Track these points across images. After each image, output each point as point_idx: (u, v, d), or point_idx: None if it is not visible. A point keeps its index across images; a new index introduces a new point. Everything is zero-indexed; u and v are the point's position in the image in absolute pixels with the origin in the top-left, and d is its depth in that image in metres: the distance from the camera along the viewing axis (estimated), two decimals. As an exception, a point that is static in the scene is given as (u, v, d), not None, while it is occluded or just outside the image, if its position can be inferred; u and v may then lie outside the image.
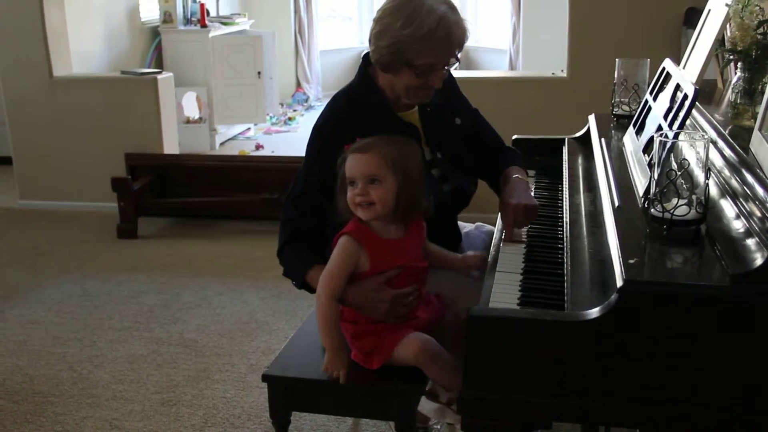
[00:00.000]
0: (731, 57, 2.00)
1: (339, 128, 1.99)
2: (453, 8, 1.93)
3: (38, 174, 5.03)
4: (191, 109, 6.21)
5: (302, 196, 2.03)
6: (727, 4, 1.89)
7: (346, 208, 1.82)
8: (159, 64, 6.31)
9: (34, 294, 3.69)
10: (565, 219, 1.90)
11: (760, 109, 1.59)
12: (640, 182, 1.69)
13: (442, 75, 1.94)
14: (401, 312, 1.83)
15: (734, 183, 1.53)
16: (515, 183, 2.05)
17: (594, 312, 1.34)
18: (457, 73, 5.08)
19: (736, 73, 1.96)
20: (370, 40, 1.95)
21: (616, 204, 1.63)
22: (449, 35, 1.88)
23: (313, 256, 1.98)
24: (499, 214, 2.03)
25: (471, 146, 2.20)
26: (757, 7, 1.85)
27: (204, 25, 6.34)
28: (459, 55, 1.96)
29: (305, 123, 7.50)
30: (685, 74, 1.90)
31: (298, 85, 8.43)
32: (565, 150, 2.41)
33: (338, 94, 2.08)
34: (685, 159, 1.46)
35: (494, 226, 2.08)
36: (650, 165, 1.57)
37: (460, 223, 2.25)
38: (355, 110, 2.01)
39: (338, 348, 1.85)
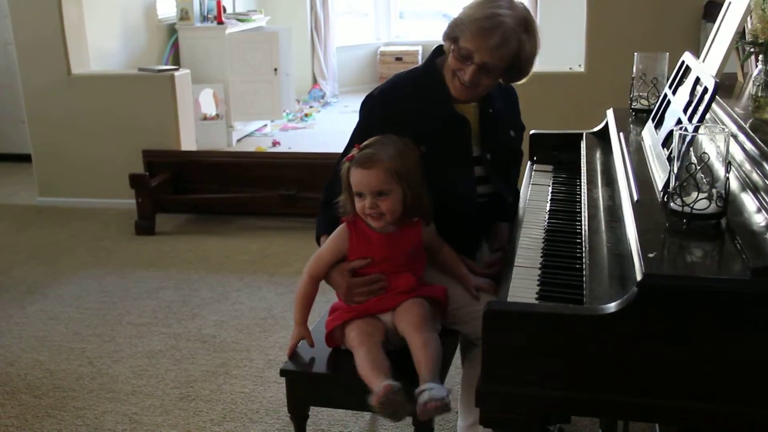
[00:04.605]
0: (752, 50, 1.98)
1: (390, 103, 2.09)
2: (523, 24, 1.98)
3: (57, 171, 5.07)
4: (208, 106, 6.23)
5: (341, 160, 2.07)
6: (747, -4, 1.87)
7: (349, 208, 1.93)
8: (176, 61, 6.34)
9: (54, 290, 3.72)
10: (583, 213, 1.89)
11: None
12: (659, 176, 1.68)
13: (474, 72, 1.98)
14: (355, 299, 1.93)
15: (755, 176, 1.51)
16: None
17: (613, 306, 1.33)
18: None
19: (756, 66, 1.94)
20: None
21: (635, 198, 1.62)
22: (493, 33, 1.93)
23: (325, 227, 2.07)
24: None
25: (515, 162, 2.27)
26: (779, -1, 1.83)
27: (220, 22, 6.37)
28: (507, 72, 2.03)
29: (322, 119, 7.52)
30: (705, 67, 1.89)
31: (315, 81, 8.44)
32: (583, 145, 2.40)
33: (401, 72, 2.19)
34: (705, 153, 1.45)
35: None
36: (670, 159, 1.56)
37: None
38: (412, 90, 2.11)
39: (300, 323, 2.00)
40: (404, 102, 2.08)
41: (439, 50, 2.13)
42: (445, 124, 2.07)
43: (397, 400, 1.70)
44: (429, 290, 1.97)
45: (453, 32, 2.01)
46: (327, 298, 2.11)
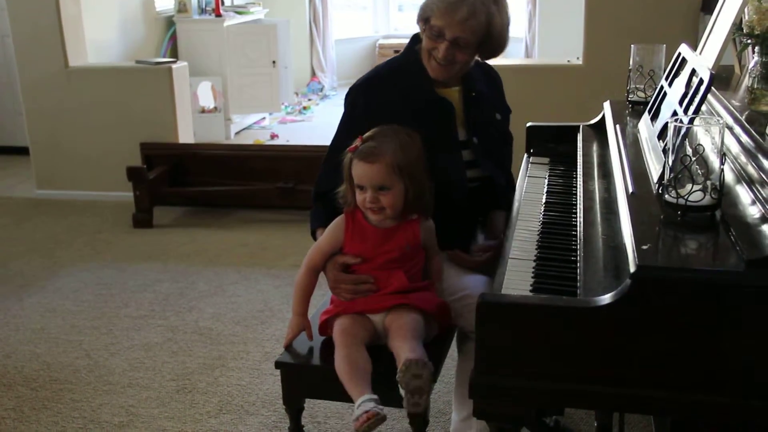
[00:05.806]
0: (748, 41, 1.97)
1: (373, 91, 2.10)
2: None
3: (55, 164, 5.06)
4: (206, 99, 6.22)
5: (330, 155, 2.09)
6: (744, -12, 1.87)
7: (350, 199, 1.92)
8: (174, 53, 6.32)
9: (52, 283, 3.72)
10: (579, 206, 1.89)
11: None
12: (655, 168, 1.67)
13: (447, 48, 2.00)
14: (341, 295, 1.94)
15: (750, 169, 1.51)
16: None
17: (606, 298, 1.33)
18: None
19: (753, 58, 1.94)
20: None
21: (630, 190, 1.62)
22: (460, 7, 1.97)
23: (319, 221, 2.08)
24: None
25: (504, 144, 2.26)
26: (775, -9, 1.82)
27: (218, 15, 6.35)
28: (480, 46, 2.04)
29: (320, 112, 7.50)
30: (701, 59, 1.88)
31: (313, 74, 8.42)
32: (579, 137, 2.40)
33: (382, 62, 2.21)
34: (700, 144, 1.44)
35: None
36: (665, 151, 1.56)
37: None
38: (393, 77, 2.12)
39: (300, 314, 1.99)
40: (386, 90, 2.09)
41: (417, 37, 2.14)
42: (429, 109, 2.08)
43: (376, 425, 1.70)
44: (422, 301, 1.90)
45: (424, 13, 2.04)
46: (324, 291, 2.11)
